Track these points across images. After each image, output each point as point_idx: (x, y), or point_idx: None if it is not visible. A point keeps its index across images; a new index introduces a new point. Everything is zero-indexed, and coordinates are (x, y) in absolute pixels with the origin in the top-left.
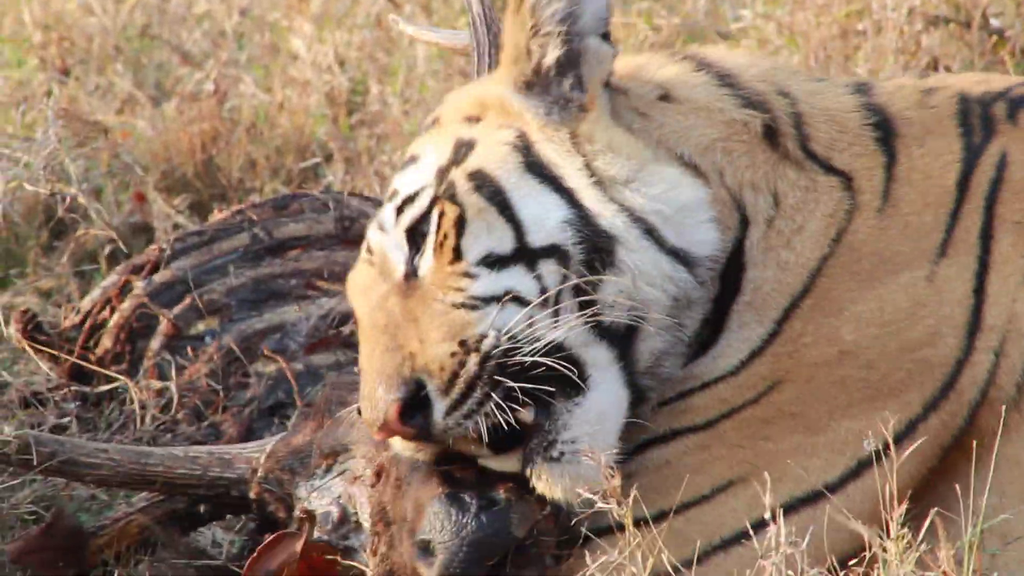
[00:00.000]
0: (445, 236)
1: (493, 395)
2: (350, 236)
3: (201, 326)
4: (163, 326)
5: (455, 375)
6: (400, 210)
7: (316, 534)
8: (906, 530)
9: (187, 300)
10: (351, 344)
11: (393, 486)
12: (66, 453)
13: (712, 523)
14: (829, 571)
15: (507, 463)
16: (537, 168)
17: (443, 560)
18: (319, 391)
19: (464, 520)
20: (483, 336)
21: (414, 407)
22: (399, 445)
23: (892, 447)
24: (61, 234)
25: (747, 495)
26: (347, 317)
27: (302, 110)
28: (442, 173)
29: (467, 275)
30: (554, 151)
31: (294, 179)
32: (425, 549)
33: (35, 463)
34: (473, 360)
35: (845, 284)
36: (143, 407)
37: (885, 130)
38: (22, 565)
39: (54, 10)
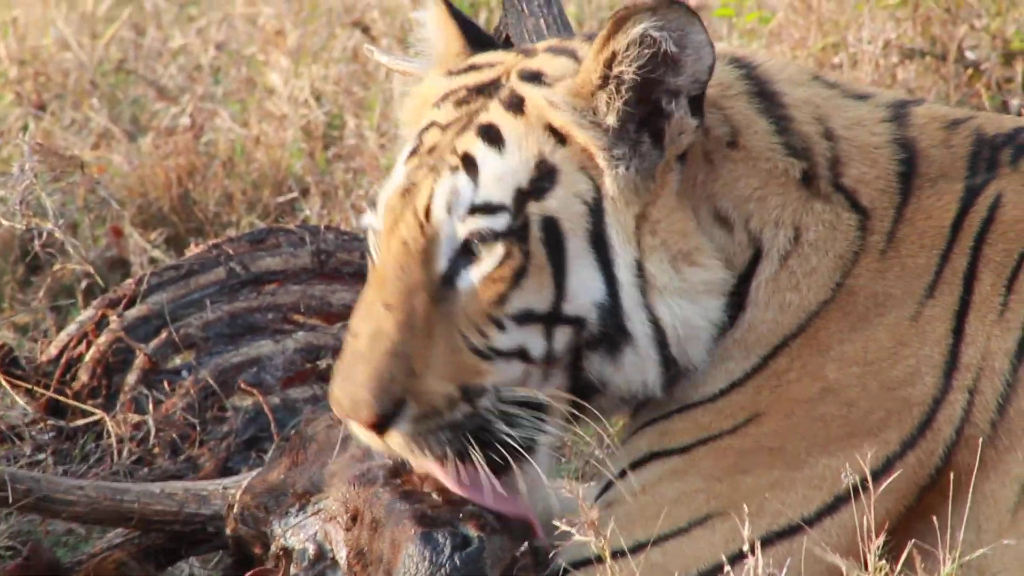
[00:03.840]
0: (500, 279)
1: (448, 441)
2: (327, 270)
3: (178, 360)
4: (139, 360)
5: (438, 412)
6: (474, 209)
7: (293, 571)
8: (884, 563)
9: (163, 334)
10: (327, 378)
11: (369, 528)
12: (42, 490)
13: (689, 555)
14: None
15: None
16: (598, 242)
17: None
18: (296, 425)
19: (439, 561)
20: (483, 391)
21: None
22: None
23: (870, 481)
24: (37, 269)
25: (725, 528)
26: (323, 350)
27: (279, 144)
28: (520, 201)
29: (497, 324)
30: (617, 234)
31: (271, 213)
32: None
33: (10, 500)
34: (463, 410)
35: (837, 325)
36: (120, 441)
37: (908, 167)
38: None
39: (30, 45)
